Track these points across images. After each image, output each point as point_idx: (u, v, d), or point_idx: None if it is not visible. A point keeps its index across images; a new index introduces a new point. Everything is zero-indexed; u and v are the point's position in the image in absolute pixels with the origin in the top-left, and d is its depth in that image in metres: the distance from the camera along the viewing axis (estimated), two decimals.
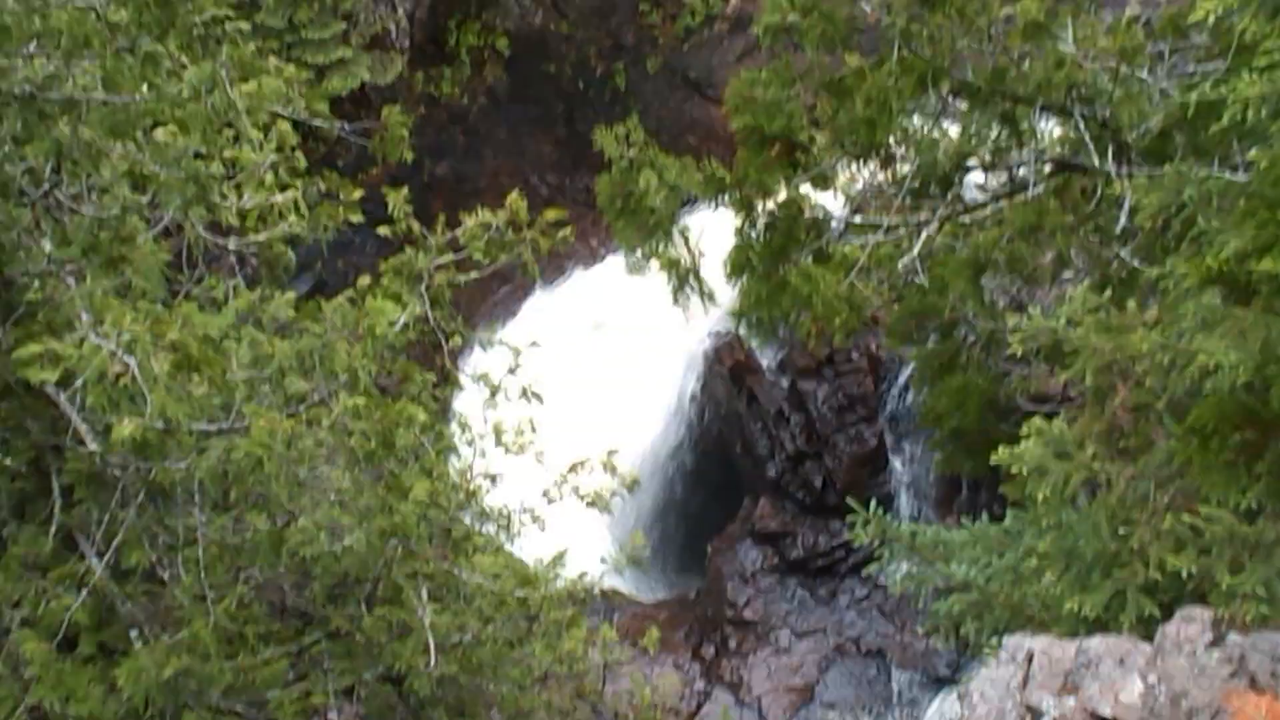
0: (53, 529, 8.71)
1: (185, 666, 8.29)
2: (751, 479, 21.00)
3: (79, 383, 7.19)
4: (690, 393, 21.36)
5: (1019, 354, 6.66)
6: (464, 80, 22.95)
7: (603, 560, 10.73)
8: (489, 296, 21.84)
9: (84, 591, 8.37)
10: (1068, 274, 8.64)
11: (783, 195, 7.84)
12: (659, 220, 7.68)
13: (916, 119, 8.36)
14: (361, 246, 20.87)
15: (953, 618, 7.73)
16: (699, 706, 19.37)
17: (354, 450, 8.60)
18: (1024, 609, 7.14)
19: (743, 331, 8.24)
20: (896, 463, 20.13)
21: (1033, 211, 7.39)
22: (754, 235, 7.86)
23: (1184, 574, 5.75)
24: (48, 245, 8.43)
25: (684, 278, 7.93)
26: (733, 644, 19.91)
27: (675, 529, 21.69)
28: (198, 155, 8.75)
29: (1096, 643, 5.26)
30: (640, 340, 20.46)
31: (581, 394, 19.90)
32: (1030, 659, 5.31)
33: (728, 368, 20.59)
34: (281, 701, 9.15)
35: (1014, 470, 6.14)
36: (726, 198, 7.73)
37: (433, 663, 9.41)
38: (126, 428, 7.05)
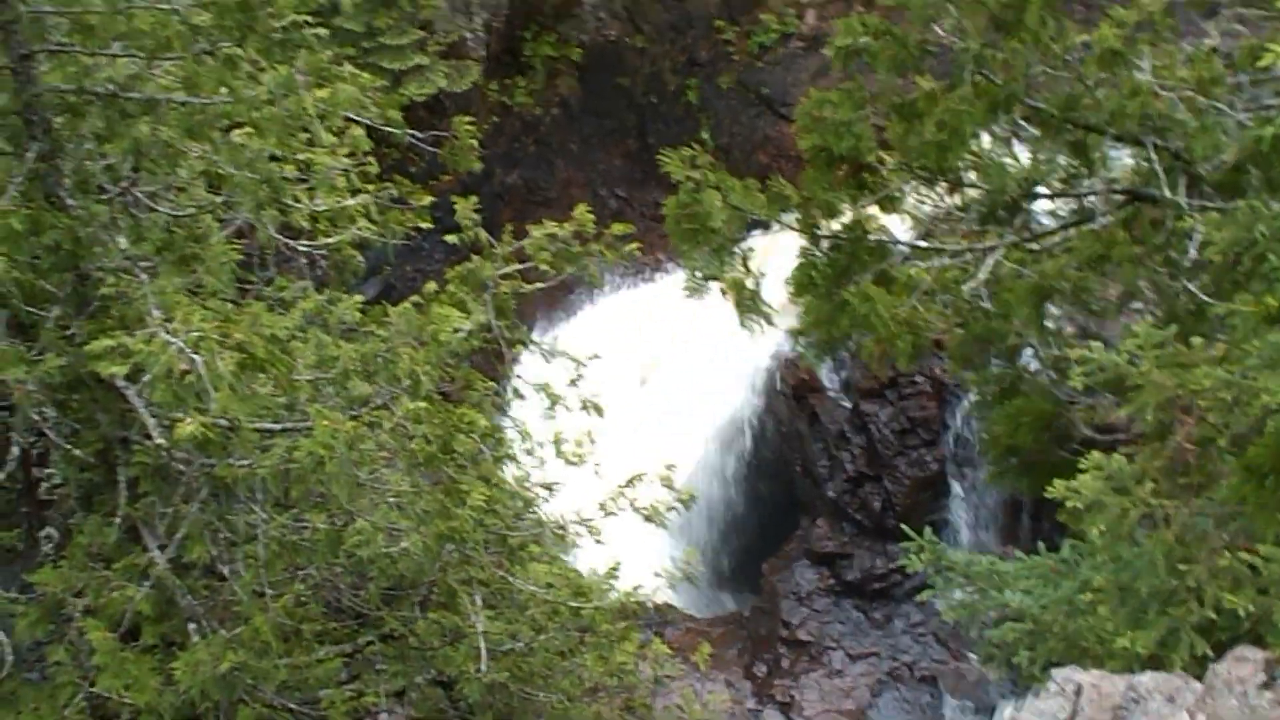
0: (117, 520, 8.85)
1: (241, 662, 8.38)
2: (810, 499, 20.90)
3: (147, 378, 7.31)
4: (752, 409, 21.30)
5: (1079, 387, 6.59)
6: (538, 90, 23.10)
7: (656, 575, 10.74)
8: (552, 303, 21.94)
9: (147, 583, 8.49)
10: (1136, 305, 8.54)
11: (848, 216, 7.83)
12: (723, 242, 7.70)
13: (987, 142, 8.30)
14: (430, 253, 21.05)
15: (1006, 646, 7.67)
16: None
17: (414, 454, 8.68)
18: (1078, 641, 7.06)
19: (799, 350, 8.22)
20: (958, 489, 19.94)
21: (1100, 241, 7.32)
22: (818, 255, 7.86)
23: (1240, 613, 5.67)
24: (123, 241, 8.58)
25: (747, 300, 7.93)
26: (785, 664, 19.82)
27: (731, 546, 21.63)
28: (273, 158, 8.87)
29: (1147, 679, 5.19)
30: (702, 354, 20.43)
31: (640, 407, 19.94)
32: (1079, 692, 5.25)
33: (791, 386, 20.52)
34: (333, 700, 9.23)
35: (1070, 504, 6.07)
36: (791, 218, 7.74)
37: (484, 669, 9.46)
38: (189, 426, 7.16)
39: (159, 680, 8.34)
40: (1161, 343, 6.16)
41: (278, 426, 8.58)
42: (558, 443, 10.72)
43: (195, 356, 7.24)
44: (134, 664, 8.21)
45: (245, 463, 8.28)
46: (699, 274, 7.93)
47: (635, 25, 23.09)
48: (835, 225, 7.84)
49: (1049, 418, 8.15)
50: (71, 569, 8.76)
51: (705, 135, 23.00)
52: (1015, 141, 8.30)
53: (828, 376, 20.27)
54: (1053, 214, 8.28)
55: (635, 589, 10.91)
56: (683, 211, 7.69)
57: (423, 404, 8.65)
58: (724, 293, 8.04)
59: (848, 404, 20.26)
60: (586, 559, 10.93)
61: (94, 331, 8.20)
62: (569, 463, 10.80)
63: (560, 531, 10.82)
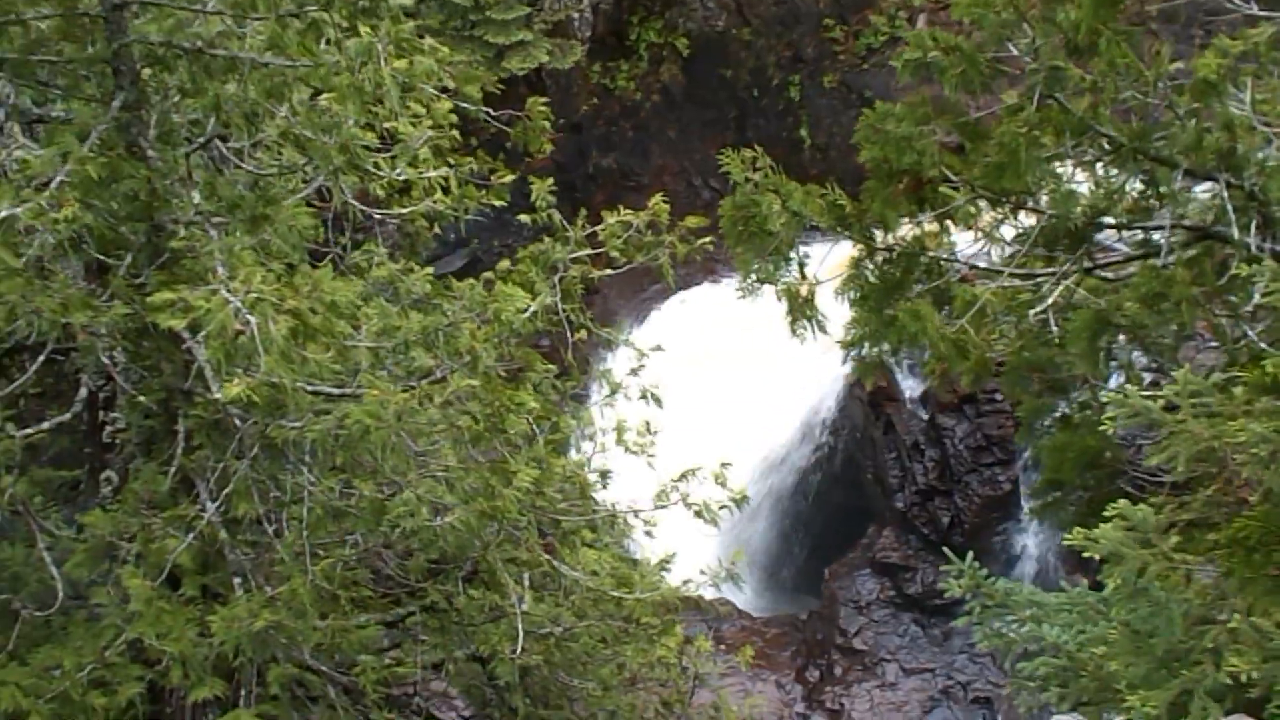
0: (172, 470, 8.96)
1: (277, 621, 8.43)
2: (878, 508, 20.70)
3: (203, 333, 7.37)
4: (826, 412, 21.11)
5: (1111, 432, 6.42)
6: (640, 76, 23.05)
7: (702, 572, 10.66)
8: (637, 293, 21.90)
9: (190, 535, 8.59)
10: (1213, 344, 8.30)
11: (904, 231, 7.68)
12: (778, 245, 7.59)
13: (1070, 164, 8.08)
14: (519, 229, 21.01)
15: (1036, 681, 7.50)
16: None
17: (463, 430, 8.67)
18: (1111, 683, 6.88)
19: (847, 365, 8.11)
20: (1028, 511, 19.63)
21: (1160, 279, 7.10)
22: (870, 268, 7.73)
23: (1243, 679, 5.46)
24: (197, 196, 8.67)
25: (800, 306, 7.82)
26: (838, 671, 19.67)
27: (796, 547, 21.49)
28: (358, 125, 8.90)
29: None
30: (781, 352, 20.26)
31: (715, 401, 19.84)
32: None
33: (868, 393, 20.31)
34: (366, 667, 9.28)
35: (1086, 554, 5.89)
36: (848, 228, 7.61)
37: (518, 650, 9.46)
38: (235, 387, 7.21)
39: (195, 631, 8.43)
40: (1199, 391, 5.95)
41: (336, 391, 8.62)
42: (620, 431, 10.69)
43: (250, 318, 7.27)
44: (170, 614, 8.31)
45: (297, 424, 8.33)
46: (753, 277, 7.83)
47: (744, 17, 22.93)
48: (891, 239, 7.69)
49: (1094, 453, 7.93)
50: (124, 514, 8.89)
51: (804, 133, 22.82)
52: (1098, 167, 8.07)
53: (906, 386, 20.04)
54: (1123, 242, 8.06)
55: (685, 583, 10.85)
56: (739, 213, 7.59)
57: (476, 380, 8.64)
58: (778, 297, 7.92)
59: (924, 415, 20.02)
60: (650, 549, 10.90)
61: (162, 282, 8.28)
62: (628, 451, 10.78)
63: (612, 519, 10.79)
